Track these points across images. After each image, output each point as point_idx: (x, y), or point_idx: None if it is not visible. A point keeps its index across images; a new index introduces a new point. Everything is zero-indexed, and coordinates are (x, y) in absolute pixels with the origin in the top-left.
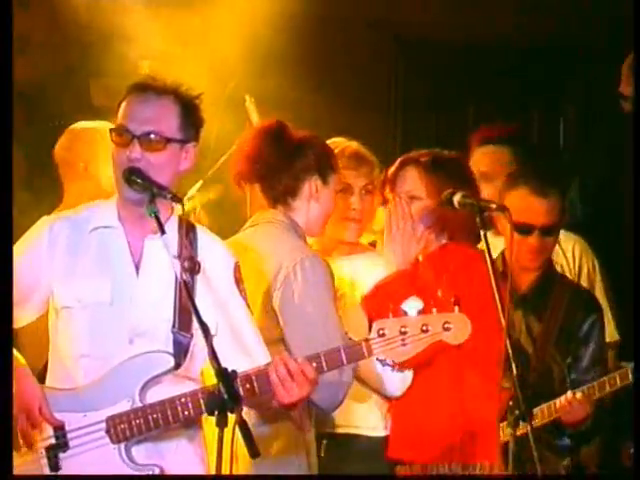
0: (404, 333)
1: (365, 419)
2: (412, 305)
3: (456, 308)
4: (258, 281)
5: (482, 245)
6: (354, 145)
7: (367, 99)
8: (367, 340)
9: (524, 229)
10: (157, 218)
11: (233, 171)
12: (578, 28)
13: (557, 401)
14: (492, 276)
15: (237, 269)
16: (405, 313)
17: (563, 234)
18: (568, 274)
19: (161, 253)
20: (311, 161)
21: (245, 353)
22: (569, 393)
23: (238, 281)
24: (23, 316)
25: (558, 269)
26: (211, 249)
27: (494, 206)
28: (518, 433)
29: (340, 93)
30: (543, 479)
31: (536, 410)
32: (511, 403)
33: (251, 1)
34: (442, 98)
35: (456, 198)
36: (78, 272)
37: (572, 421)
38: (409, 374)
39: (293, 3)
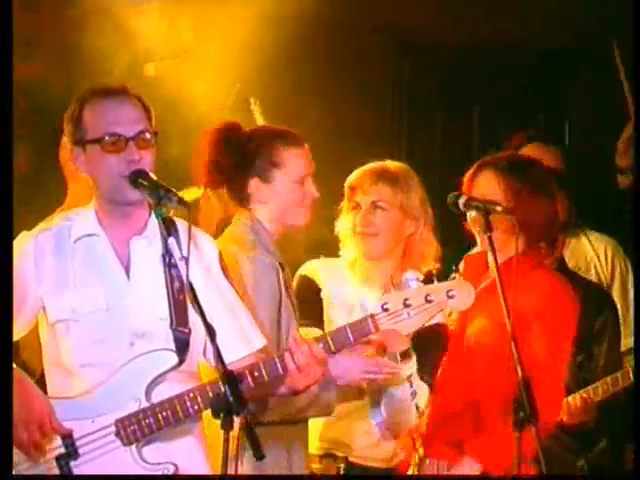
0: (408, 306)
1: (375, 451)
2: (412, 277)
3: (456, 275)
4: None
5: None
6: (383, 164)
7: (372, 101)
8: (372, 315)
9: None
10: (164, 220)
11: (196, 180)
12: (583, 29)
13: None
14: (499, 282)
15: (221, 257)
16: (407, 285)
17: (594, 236)
18: (602, 276)
19: (148, 253)
20: (249, 163)
21: (242, 337)
22: (570, 397)
23: (224, 268)
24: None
25: (592, 271)
26: (195, 242)
27: (500, 209)
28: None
29: (345, 96)
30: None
31: None
32: (515, 405)
33: (256, 3)
34: (447, 100)
35: (461, 201)
36: (69, 284)
37: (573, 423)
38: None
39: (298, 6)
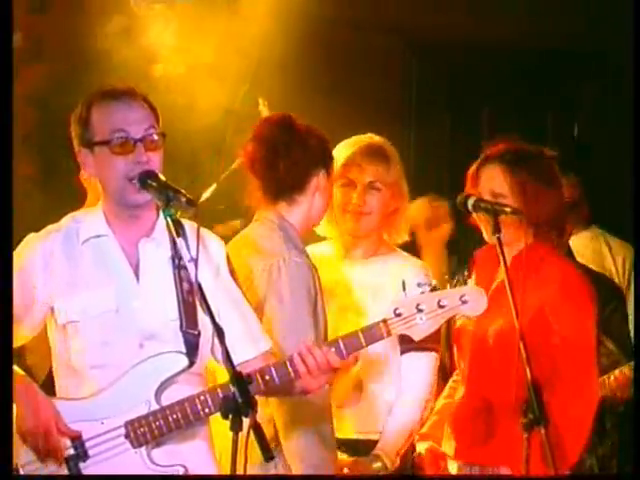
0: (421, 311)
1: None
2: (425, 282)
3: (469, 281)
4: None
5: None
6: (372, 140)
7: (381, 102)
8: (385, 321)
9: None
10: (173, 221)
11: (245, 156)
12: (591, 30)
13: (610, 377)
14: (507, 281)
15: (229, 259)
16: (419, 290)
17: (616, 242)
18: (616, 280)
19: (156, 255)
20: (318, 154)
21: (250, 338)
22: (617, 371)
23: (232, 271)
24: (20, 336)
25: (607, 274)
26: (203, 243)
27: (509, 210)
28: None
29: (354, 96)
30: None
31: None
32: (525, 407)
33: (264, 4)
34: (456, 100)
35: (470, 202)
36: (79, 285)
37: (626, 397)
38: None
39: (307, 6)
